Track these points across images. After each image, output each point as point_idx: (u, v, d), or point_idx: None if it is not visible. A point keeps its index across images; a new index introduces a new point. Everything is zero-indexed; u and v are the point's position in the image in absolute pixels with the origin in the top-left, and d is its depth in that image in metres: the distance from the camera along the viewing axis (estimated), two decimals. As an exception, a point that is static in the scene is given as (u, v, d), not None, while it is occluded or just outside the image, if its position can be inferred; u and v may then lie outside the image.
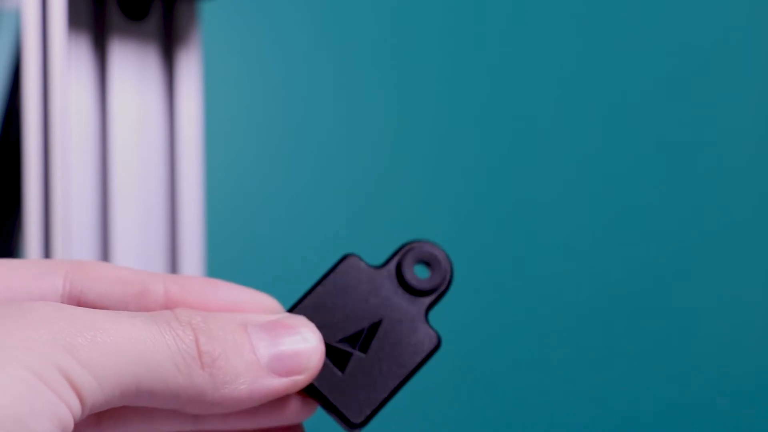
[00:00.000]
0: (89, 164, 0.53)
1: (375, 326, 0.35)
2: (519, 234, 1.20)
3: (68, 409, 0.27)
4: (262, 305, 0.34)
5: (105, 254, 0.53)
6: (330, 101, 1.17)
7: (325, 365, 0.34)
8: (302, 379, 0.32)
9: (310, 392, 0.34)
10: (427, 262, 0.37)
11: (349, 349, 0.35)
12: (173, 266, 0.54)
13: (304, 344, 0.32)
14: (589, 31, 1.23)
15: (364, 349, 0.35)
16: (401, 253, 0.36)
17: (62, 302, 0.32)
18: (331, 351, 0.35)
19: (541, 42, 1.21)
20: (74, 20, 0.52)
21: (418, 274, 0.36)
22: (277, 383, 0.31)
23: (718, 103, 1.24)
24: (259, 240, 1.13)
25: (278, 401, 0.33)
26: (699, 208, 1.24)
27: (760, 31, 1.26)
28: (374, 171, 1.17)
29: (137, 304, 0.33)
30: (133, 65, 0.54)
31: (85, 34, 0.53)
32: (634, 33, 1.23)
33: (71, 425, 0.27)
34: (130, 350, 0.28)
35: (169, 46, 0.55)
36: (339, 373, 0.34)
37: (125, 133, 0.54)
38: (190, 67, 0.54)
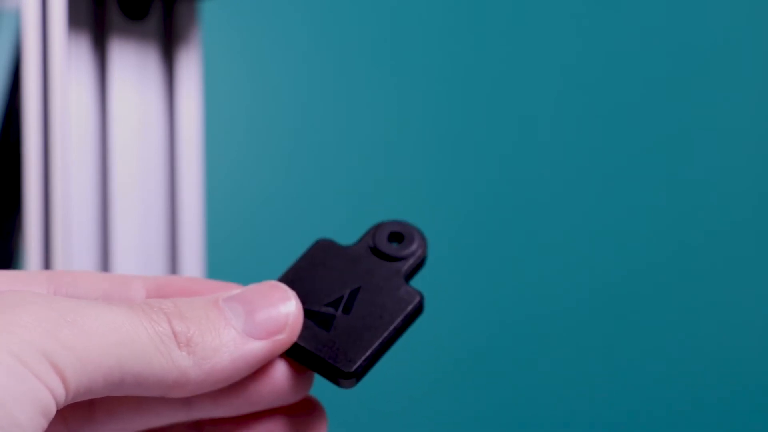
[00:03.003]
0: (89, 164, 0.53)
1: (355, 291, 0.35)
2: (517, 234, 1.20)
3: (50, 393, 0.27)
4: None
5: (105, 254, 0.53)
6: (330, 101, 1.17)
7: (309, 328, 0.34)
8: (284, 338, 0.32)
9: (298, 356, 0.34)
10: (400, 234, 0.37)
11: (332, 312, 0.35)
12: (173, 266, 0.54)
13: (279, 304, 0.32)
14: (589, 30, 1.23)
15: (347, 311, 0.35)
16: (372, 230, 0.37)
17: None
18: (313, 315, 0.34)
19: (539, 40, 1.21)
20: (74, 20, 0.52)
21: (393, 245, 0.37)
22: (259, 346, 0.31)
23: (718, 103, 1.24)
24: (259, 240, 1.13)
25: (265, 375, 0.33)
26: (699, 208, 1.24)
27: (760, 31, 1.26)
28: (374, 171, 1.17)
29: (120, 299, 0.34)
30: (133, 65, 0.54)
31: (85, 34, 0.53)
32: (634, 33, 1.23)
33: (53, 410, 0.27)
34: (112, 334, 0.29)
35: (169, 46, 0.55)
36: (325, 333, 0.34)
37: (125, 133, 0.54)
38: (190, 67, 0.54)
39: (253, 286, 0.33)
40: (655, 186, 1.23)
